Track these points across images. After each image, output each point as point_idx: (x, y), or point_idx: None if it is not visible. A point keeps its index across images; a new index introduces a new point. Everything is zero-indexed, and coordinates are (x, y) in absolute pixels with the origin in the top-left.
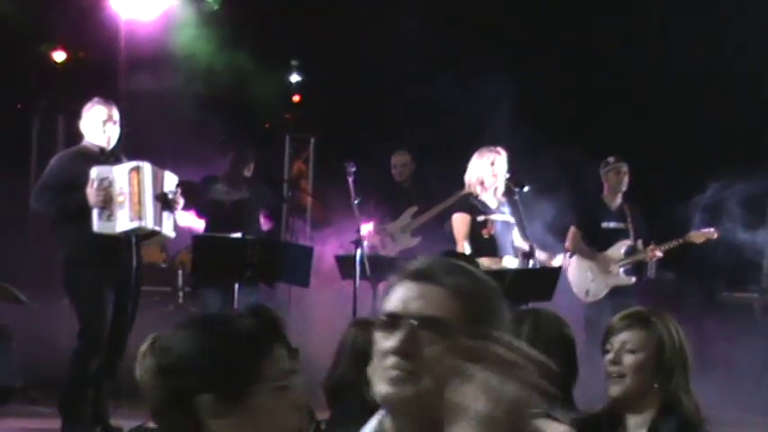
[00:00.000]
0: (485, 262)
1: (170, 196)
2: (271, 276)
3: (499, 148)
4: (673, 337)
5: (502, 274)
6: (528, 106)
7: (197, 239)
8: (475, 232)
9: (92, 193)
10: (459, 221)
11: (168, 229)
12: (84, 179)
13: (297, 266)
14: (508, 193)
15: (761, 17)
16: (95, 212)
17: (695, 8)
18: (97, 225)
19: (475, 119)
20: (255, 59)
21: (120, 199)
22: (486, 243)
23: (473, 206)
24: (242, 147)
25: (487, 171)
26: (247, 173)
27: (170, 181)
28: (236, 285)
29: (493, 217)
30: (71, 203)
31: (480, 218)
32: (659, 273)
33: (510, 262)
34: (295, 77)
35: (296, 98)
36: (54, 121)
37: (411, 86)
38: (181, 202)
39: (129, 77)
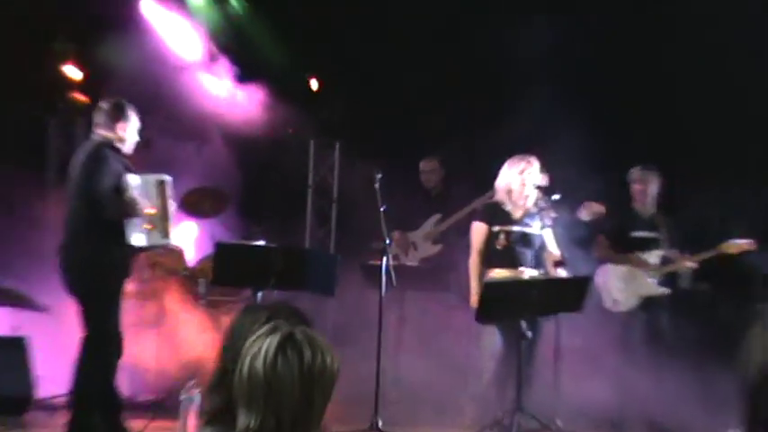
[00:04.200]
0: (502, 273)
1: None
2: (295, 284)
3: (531, 158)
4: None
5: (531, 284)
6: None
7: (219, 246)
8: (491, 242)
9: (139, 202)
10: (475, 231)
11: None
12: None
13: (322, 275)
14: (539, 201)
15: None
16: (135, 222)
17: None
18: (132, 236)
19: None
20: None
21: (151, 212)
22: (500, 254)
23: (493, 215)
24: None
25: (516, 180)
26: None
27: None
28: (259, 294)
29: (512, 228)
30: (127, 208)
31: (496, 228)
32: (694, 284)
33: (529, 274)
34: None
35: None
36: (72, 126)
37: (442, 95)
38: None
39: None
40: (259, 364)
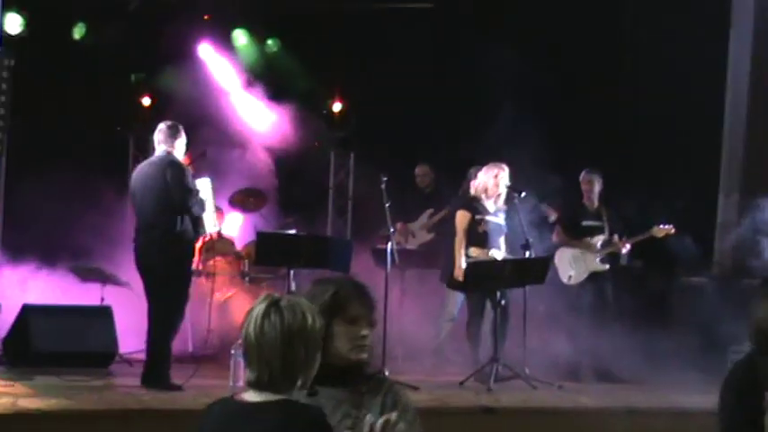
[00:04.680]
0: (476, 251)
1: None
2: (318, 264)
3: (503, 165)
4: None
5: (505, 263)
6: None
7: (260, 234)
8: (471, 227)
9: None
10: (460, 217)
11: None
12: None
13: (340, 256)
14: (509, 199)
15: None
16: (207, 216)
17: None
18: (206, 226)
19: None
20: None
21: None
22: (479, 236)
23: (474, 207)
24: None
25: (491, 182)
26: None
27: None
28: (291, 272)
29: (488, 218)
30: (203, 205)
31: (478, 216)
32: (630, 261)
33: (496, 254)
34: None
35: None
36: (146, 141)
37: (432, 115)
38: None
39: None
40: (251, 328)
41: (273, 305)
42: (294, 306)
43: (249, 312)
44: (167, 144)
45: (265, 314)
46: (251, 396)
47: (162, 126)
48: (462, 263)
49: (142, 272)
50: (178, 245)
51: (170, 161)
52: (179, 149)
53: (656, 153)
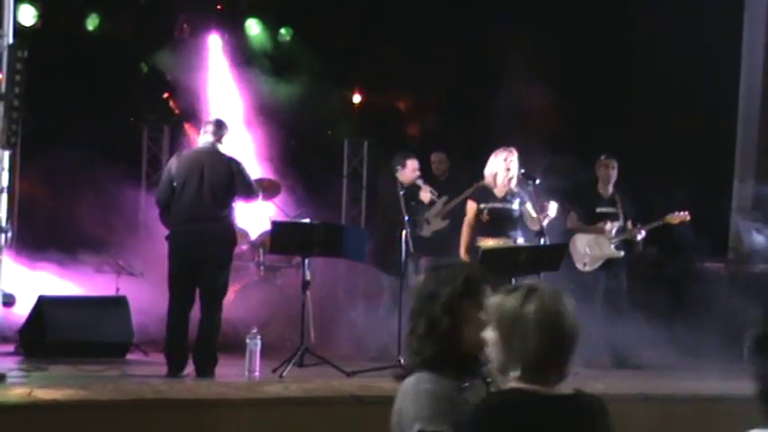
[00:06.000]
0: (489, 241)
1: None
2: (334, 253)
3: (512, 148)
4: None
5: (519, 250)
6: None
7: (274, 224)
8: (477, 217)
9: None
10: (468, 208)
11: None
12: None
13: (355, 245)
14: (523, 184)
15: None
16: None
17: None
18: None
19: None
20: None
21: None
22: (485, 226)
23: (482, 195)
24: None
25: (501, 167)
26: None
27: None
28: (306, 260)
29: (496, 205)
30: None
31: (482, 205)
32: (645, 248)
33: (507, 243)
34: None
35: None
36: (160, 131)
37: (446, 103)
38: None
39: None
40: (558, 323)
41: (551, 297)
42: (554, 292)
43: (527, 311)
44: (214, 137)
45: (551, 306)
46: (556, 389)
47: (212, 120)
48: (463, 253)
49: (189, 263)
50: (233, 237)
51: (230, 156)
52: (224, 144)
53: (670, 138)
